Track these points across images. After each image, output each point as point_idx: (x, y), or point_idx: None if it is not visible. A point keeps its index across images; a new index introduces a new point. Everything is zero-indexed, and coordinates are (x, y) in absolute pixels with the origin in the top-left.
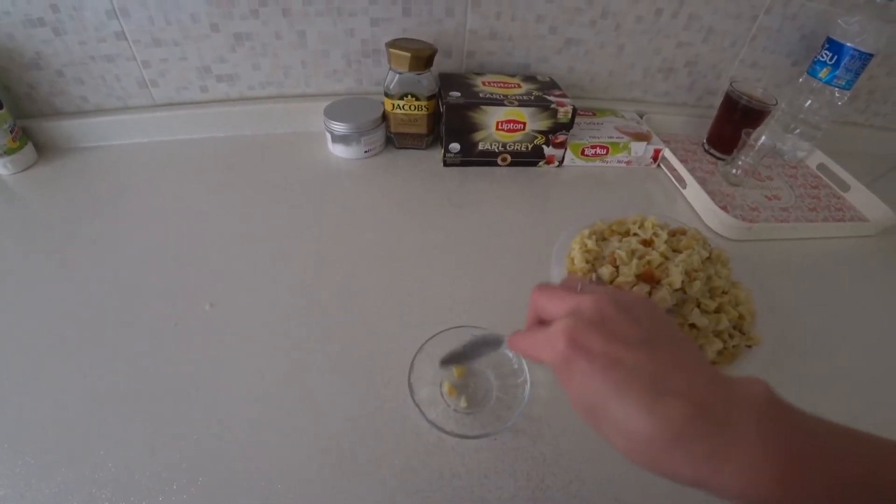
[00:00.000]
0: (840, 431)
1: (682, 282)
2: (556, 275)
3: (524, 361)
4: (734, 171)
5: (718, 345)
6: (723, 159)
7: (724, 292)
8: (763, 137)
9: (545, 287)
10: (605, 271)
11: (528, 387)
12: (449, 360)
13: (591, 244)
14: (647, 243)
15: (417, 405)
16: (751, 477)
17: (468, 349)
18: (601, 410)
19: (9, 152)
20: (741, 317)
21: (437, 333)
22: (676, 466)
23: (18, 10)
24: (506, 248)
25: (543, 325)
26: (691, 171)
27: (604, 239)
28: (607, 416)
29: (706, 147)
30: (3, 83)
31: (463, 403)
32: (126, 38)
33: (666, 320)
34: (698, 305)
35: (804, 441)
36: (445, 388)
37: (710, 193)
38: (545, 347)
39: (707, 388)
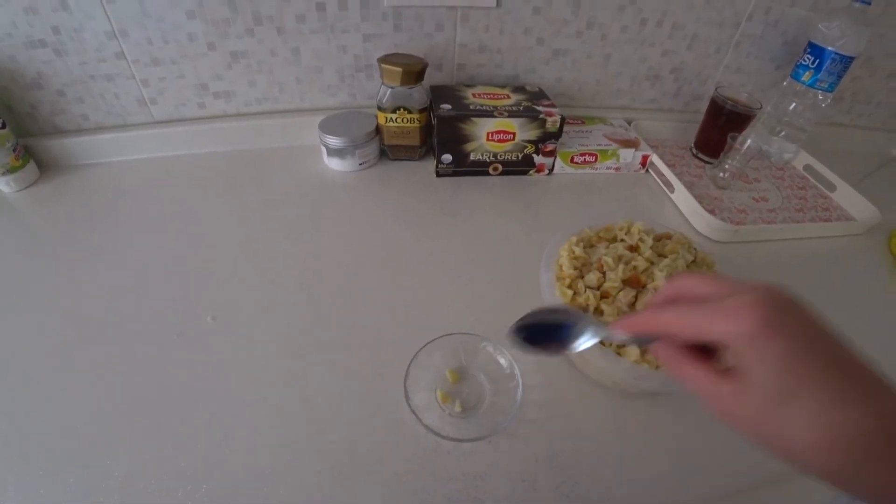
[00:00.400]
0: None
1: None
2: (546, 281)
3: (517, 366)
4: (721, 174)
5: None
6: (710, 163)
7: None
8: (749, 141)
9: (690, 274)
10: (593, 277)
11: (520, 390)
12: (520, 331)
13: (578, 251)
14: (634, 249)
15: (413, 411)
16: None
17: (542, 324)
18: (794, 400)
19: (12, 170)
20: None
21: (431, 341)
22: (880, 471)
23: (20, 33)
24: (499, 256)
25: (696, 303)
26: (679, 175)
27: (591, 245)
28: (802, 404)
29: (694, 151)
30: (5, 103)
31: (458, 408)
32: (125, 58)
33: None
34: None
35: None
36: (439, 395)
37: (699, 197)
38: (720, 321)
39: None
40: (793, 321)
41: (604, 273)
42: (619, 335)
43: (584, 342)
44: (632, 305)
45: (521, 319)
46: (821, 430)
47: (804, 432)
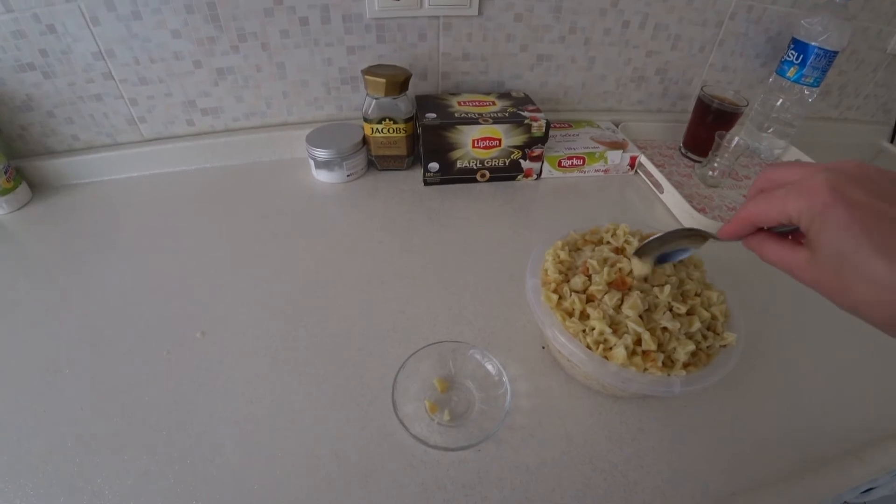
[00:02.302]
0: None
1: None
2: (531, 286)
3: (505, 373)
4: (711, 172)
5: (691, 346)
6: (699, 162)
7: (697, 294)
8: (737, 138)
9: (778, 163)
10: (578, 281)
11: (509, 397)
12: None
13: (563, 255)
14: (620, 251)
15: (401, 420)
16: None
17: (667, 240)
18: (853, 261)
19: (3, 193)
20: (714, 318)
21: (418, 350)
22: None
23: (9, 56)
24: (487, 263)
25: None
26: (669, 175)
27: (577, 249)
28: (859, 267)
29: (683, 151)
30: None
31: (446, 417)
32: (113, 78)
33: None
34: (670, 309)
35: None
36: (427, 404)
37: (688, 196)
38: (795, 198)
39: None
40: (858, 192)
41: (589, 276)
42: (726, 240)
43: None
44: (618, 308)
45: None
46: (873, 287)
47: (866, 292)
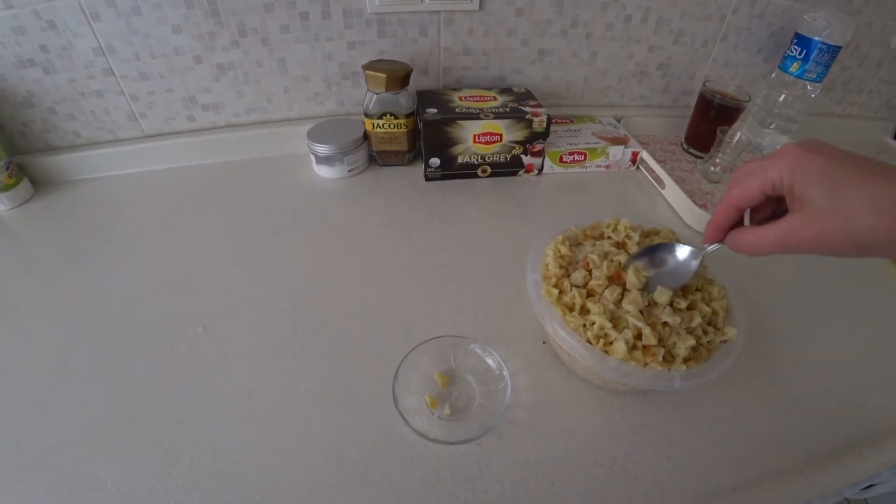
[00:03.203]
0: None
1: None
2: (531, 281)
3: (505, 367)
4: (712, 168)
5: (692, 341)
6: (701, 158)
7: (698, 289)
8: (739, 134)
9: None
10: (579, 275)
11: (509, 391)
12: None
13: (564, 250)
14: (620, 245)
15: (402, 414)
16: None
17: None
18: (845, 194)
19: (5, 189)
20: (714, 313)
21: (420, 344)
22: None
23: (9, 53)
24: (488, 258)
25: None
26: (671, 171)
27: (578, 244)
28: (853, 196)
29: (685, 147)
30: None
31: (447, 411)
32: (114, 74)
33: None
34: (670, 304)
35: None
36: (427, 398)
37: (690, 192)
38: (770, 166)
39: None
40: (826, 147)
41: (590, 271)
42: (711, 248)
43: (692, 272)
44: (618, 303)
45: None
46: (882, 204)
47: (868, 215)
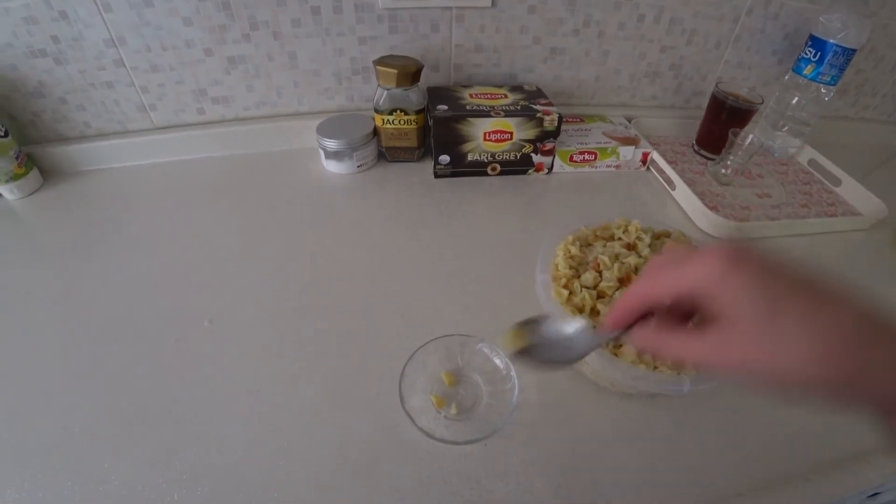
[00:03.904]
0: None
1: None
2: (541, 281)
3: (513, 367)
4: (724, 170)
5: None
6: (712, 160)
7: None
8: (751, 136)
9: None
10: (589, 277)
11: (516, 392)
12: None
13: (574, 250)
14: (631, 247)
15: (408, 413)
16: None
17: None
18: (772, 321)
19: (15, 178)
20: None
21: (427, 343)
22: (875, 380)
23: (21, 43)
24: (497, 256)
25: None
26: (681, 172)
27: (588, 244)
28: (782, 325)
29: (696, 148)
30: (7, 112)
31: (453, 410)
32: (125, 65)
33: None
34: None
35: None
36: (433, 399)
37: (700, 194)
38: (690, 271)
39: (863, 301)
40: (754, 256)
41: (600, 272)
42: (610, 334)
43: (583, 354)
44: None
45: (522, 339)
46: (812, 336)
47: (797, 345)
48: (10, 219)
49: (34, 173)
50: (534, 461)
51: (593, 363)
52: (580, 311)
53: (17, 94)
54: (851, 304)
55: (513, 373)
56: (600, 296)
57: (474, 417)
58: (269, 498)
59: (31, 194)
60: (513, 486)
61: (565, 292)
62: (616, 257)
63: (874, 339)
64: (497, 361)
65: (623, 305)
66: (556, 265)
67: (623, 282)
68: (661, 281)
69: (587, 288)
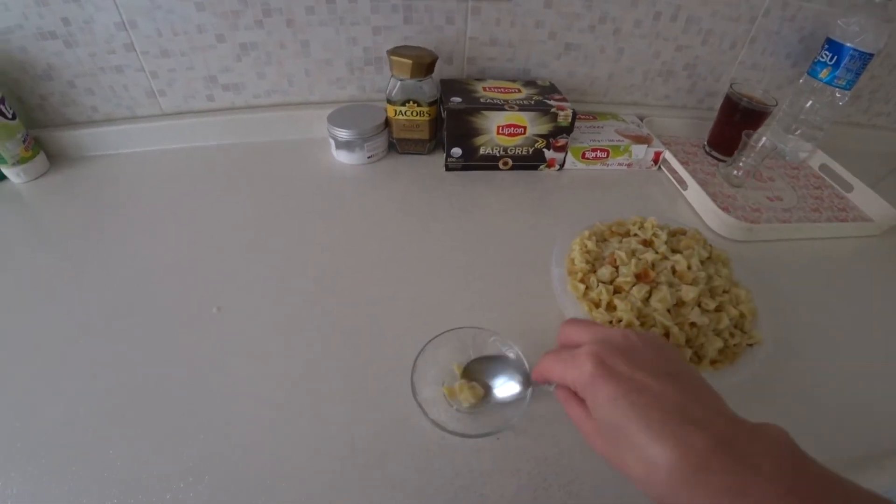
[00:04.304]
0: (848, 487)
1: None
2: (556, 275)
3: (526, 361)
4: (735, 172)
5: (719, 343)
6: (724, 161)
7: (725, 291)
8: (764, 138)
9: (574, 320)
10: (606, 272)
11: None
12: (471, 369)
13: (591, 245)
14: (647, 244)
15: (420, 405)
16: None
17: (492, 368)
18: (623, 435)
19: (21, 161)
20: (742, 315)
21: (440, 334)
22: (693, 497)
23: (31, 24)
24: (507, 251)
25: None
26: (692, 173)
27: (604, 240)
28: (629, 440)
29: (707, 149)
30: (15, 94)
31: (465, 403)
32: (135, 50)
33: (687, 362)
34: (698, 304)
35: (818, 490)
36: (445, 391)
37: (711, 195)
38: (571, 368)
39: (729, 424)
40: (622, 364)
41: (616, 267)
42: (548, 388)
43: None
44: (645, 301)
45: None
46: (642, 464)
47: (634, 465)
48: (16, 202)
49: (41, 157)
50: (546, 456)
51: None
52: (596, 305)
53: (25, 77)
54: (686, 440)
55: (526, 366)
56: (617, 291)
57: (486, 411)
58: (277, 489)
59: (37, 178)
60: (525, 480)
61: (582, 287)
62: (633, 253)
63: (698, 481)
64: (510, 355)
65: (536, 374)
66: (573, 259)
67: (640, 277)
68: (554, 371)
69: (604, 283)
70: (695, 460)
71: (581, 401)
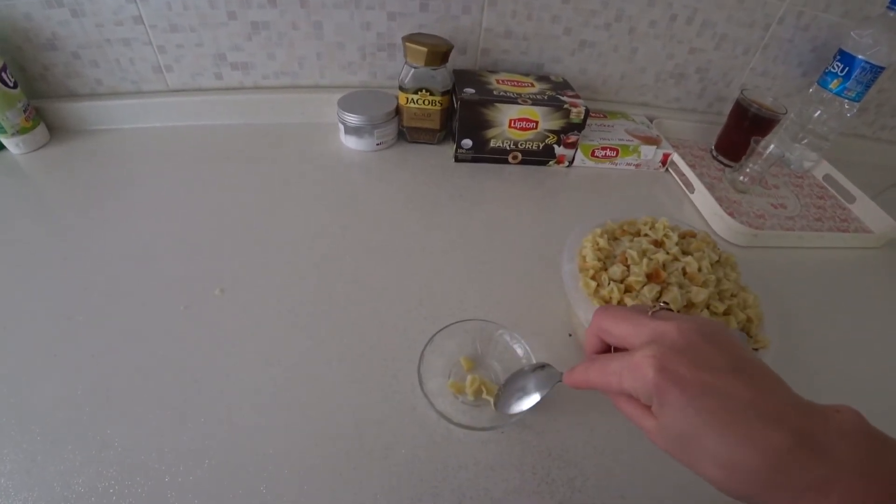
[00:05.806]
0: None
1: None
2: (567, 272)
3: (533, 356)
4: (741, 178)
5: None
6: (730, 166)
7: (734, 295)
8: (772, 146)
9: (611, 309)
10: (617, 270)
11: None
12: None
13: (602, 242)
14: (658, 244)
15: (426, 395)
16: None
17: (522, 380)
18: (696, 441)
19: (22, 131)
20: (749, 320)
21: (447, 326)
22: (777, 498)
23: None
24: (514, 245)
25: (615, 353)
26: (698, 176)
27: (615, 238)
28: (702, 447)
29: (714, 154)
30: (18, 63)
31: (471, 396)
32: (143, 23)
33: (747, 347)
34: (707, 307)
35: None
36: (451, 384)
37: (717, 200)
38: (627, 377)
39: (803, 414)
40: (684, 367)
41: (628, 266)
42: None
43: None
44: (656, 301)
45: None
46: (720, 469)
47: (711, 470)
48: (15, 174)
49: (41, 128)
50: (550, 451)
51: None
52: (607, 303)
53: (29, 45)
54: (765, 441)
55: (533, 361)
56: (628, 290)
57: (492, 404)
58: (279, 475)
59: (36, 149)
60: (528, 474)
61: (593, 284)
62: (644, 253)
63: (780, 482)
64: (518, 350)
65: (584, 385)
66: (584, 256)
67: (651, 277)
68: (608, 382)
69: (615, 281)
70: (774, 460)
71: (638, 401)
